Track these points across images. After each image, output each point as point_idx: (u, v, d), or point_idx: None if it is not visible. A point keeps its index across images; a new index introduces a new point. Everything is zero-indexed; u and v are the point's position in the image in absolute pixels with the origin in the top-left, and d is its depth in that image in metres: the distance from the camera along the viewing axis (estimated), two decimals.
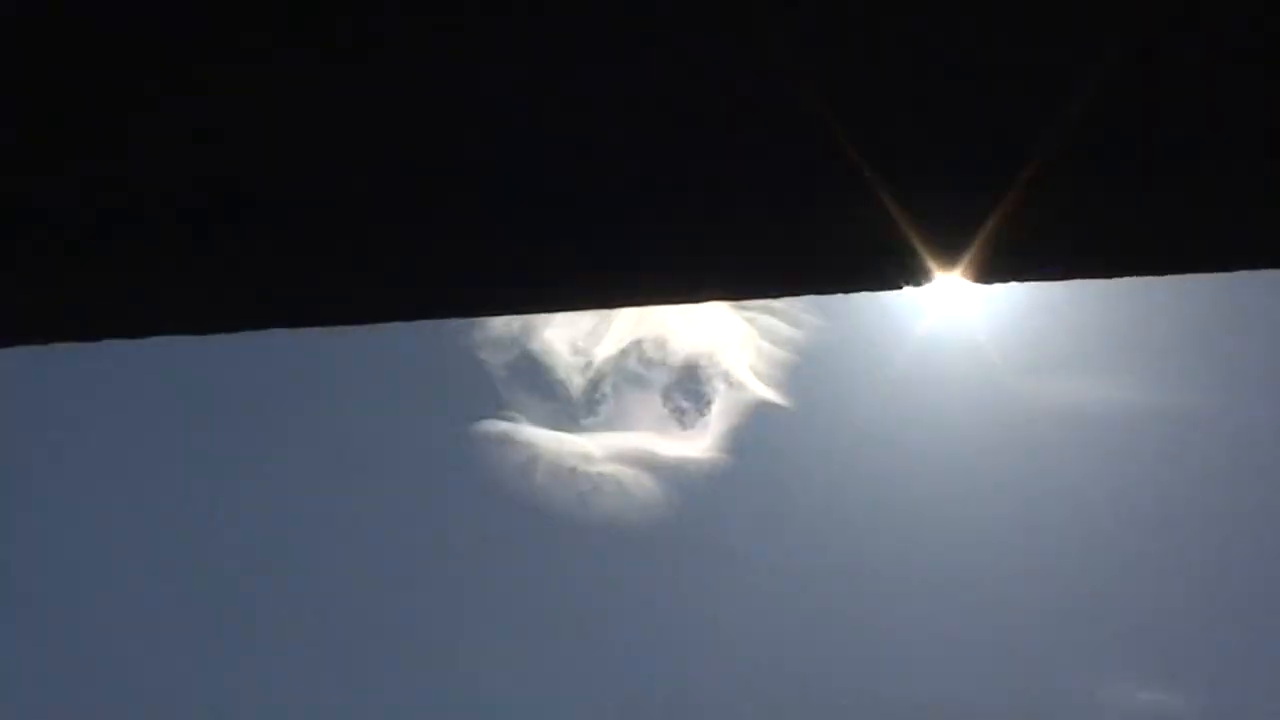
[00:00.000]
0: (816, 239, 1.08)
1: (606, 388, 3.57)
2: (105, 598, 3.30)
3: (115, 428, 3.34)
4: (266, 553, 3.42)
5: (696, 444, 3.55)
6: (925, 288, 1.03)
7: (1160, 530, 3.54)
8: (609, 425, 3.56)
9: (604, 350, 3.57)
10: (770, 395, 3.54)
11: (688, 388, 3.57)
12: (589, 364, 3.57)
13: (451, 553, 3.47)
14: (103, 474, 3.34)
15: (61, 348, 1.06)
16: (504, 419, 3.53)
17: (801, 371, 3.54)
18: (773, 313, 3.56)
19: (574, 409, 3.57)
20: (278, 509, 3.41)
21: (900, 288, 1.06)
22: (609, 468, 3.52)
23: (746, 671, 3.46)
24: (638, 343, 3.57)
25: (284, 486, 3.43)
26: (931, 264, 1.03)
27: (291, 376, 3.52)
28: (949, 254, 1.02)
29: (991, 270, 1.02)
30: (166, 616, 3.37)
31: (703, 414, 3.56)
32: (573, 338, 3.56)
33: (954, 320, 3.06)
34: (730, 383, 3.56)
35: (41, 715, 3.33)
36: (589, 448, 3.54)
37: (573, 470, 3.51)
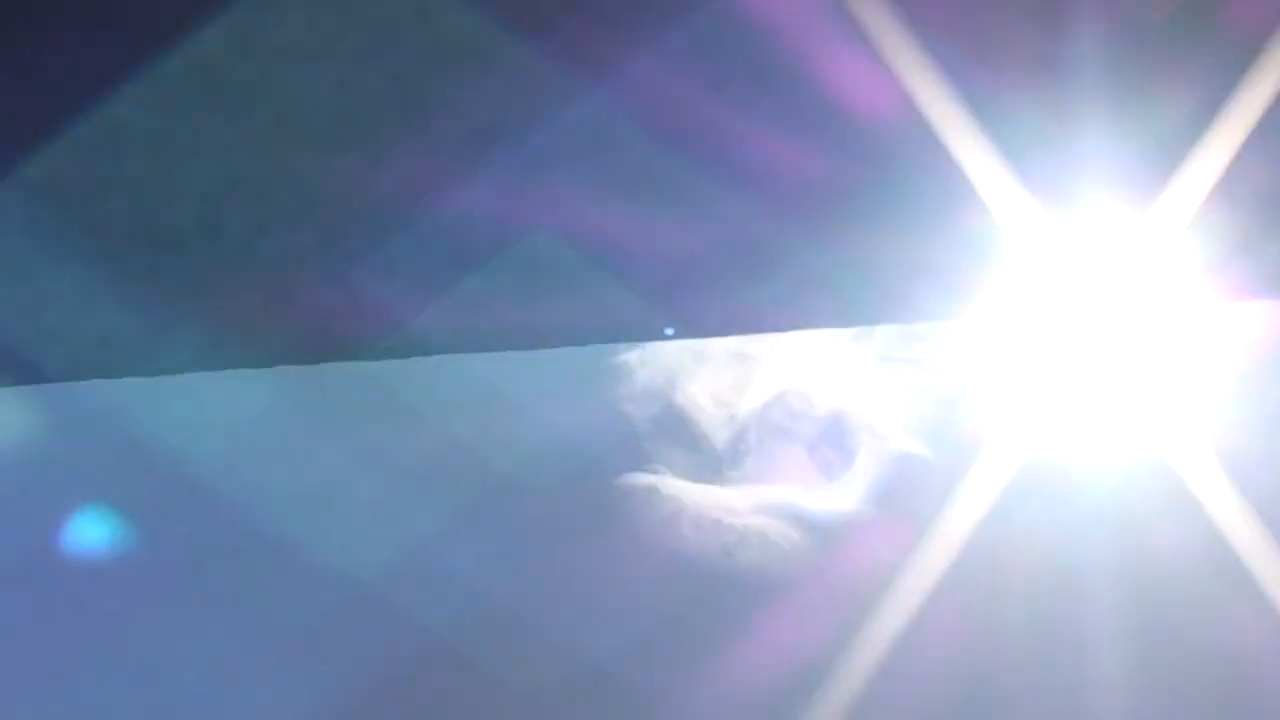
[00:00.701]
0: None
1: (751, 440, 3.58)
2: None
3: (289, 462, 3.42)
4: (409, 603, 3.46)
5: (842, 496, 3.55)
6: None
7: None
8: (754, 478, 3.57)
9: (748, 403, 3.59)
10: (915, 447, 3.54)
11: (832, 439, 3.58)
12: (733, 416, 3.59)
13: (598, 603, 3.49)
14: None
15: None
16: (649, 471, 3.56)
17: (945, 422, 3.54)
18: (916, 364, 3.57)
19: (718, 461, 3.58)
20: (421, 559, 3.46)
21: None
22: (754, 520, 3.53)
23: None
24: (781, 395, 3.59)
25: (428, 537, 3.48)
26: None
27: (441, 435, 3.57)
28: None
29: None
30: (313, 669, 3.42)
31: (848, 466, 3.56)
32: (716, 390, 3.59)
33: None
34: (875, 434, 3.56)
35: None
36: (734, 500, 3.55)
37: (717, 522, 3.52)
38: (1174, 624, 3.58)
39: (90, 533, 3.52)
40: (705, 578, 3.50)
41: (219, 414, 3.53)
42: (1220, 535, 3.51)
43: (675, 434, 3.58)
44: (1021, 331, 3.55)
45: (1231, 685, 3.49)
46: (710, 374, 3.60)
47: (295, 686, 3.47)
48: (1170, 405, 3.49)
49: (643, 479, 3.54)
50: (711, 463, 3.58)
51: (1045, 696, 3.52)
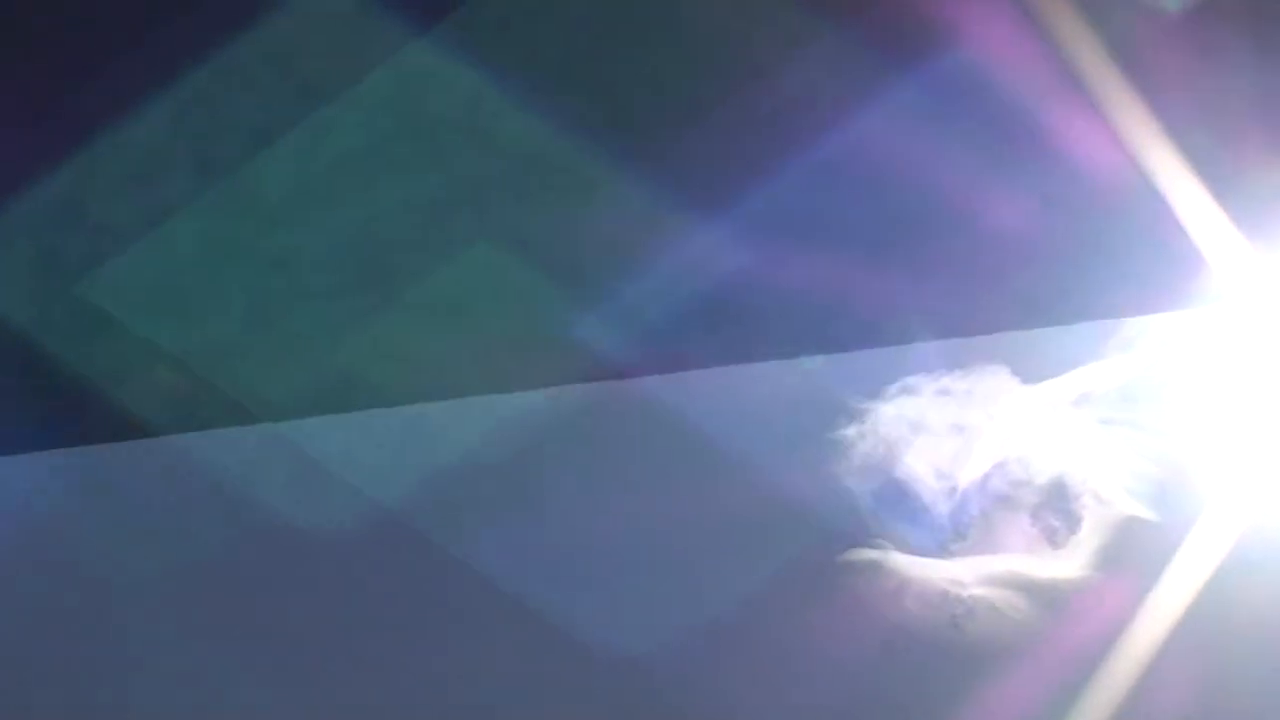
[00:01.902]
0: None
1: (973, 510, 3.59)
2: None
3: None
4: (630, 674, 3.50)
5: (1069, 564, 3.53)
6: None
7: None
8: (978, 549, 3.58)
9: (968, 473, 3.60)
10: (1141, 511, 3.52)
11: (1055, 506, 3.57)
12: (954, 488, 3.60)
13: (828, 678, 3.51)
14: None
15: None
16: (873, 546, 3.58)
17: (1168, 484, 3.52)
18: (1137, 426, 3.55)
19: (941, 533, 3.59)
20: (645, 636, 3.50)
21: None
22: (980, 591, 3.53)
23: None
24: (1002, 464, 3.59)
25: (649, 614, 3.53)
26: None
27: (658, 517, 3.62)
28: None
29: None
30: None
31: (1074, 532, 3.55)
32: (936, 461, 3.60)
33: None
34: (1098, 499, 3.55)
35: None
36: (958, 572, 3.55)
37: (944, 594, 3.53)
38: None
39: None
40: (933, 650, 3.50)
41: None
42: None
43: (897, 507, 3.60)
44: (1241, 390, 3.53)
45: None
46: (929, 445, 3.61)
47: None
48: None
49: (866, 554, 3.56)
50: (934, 535, 3.59)
51: None
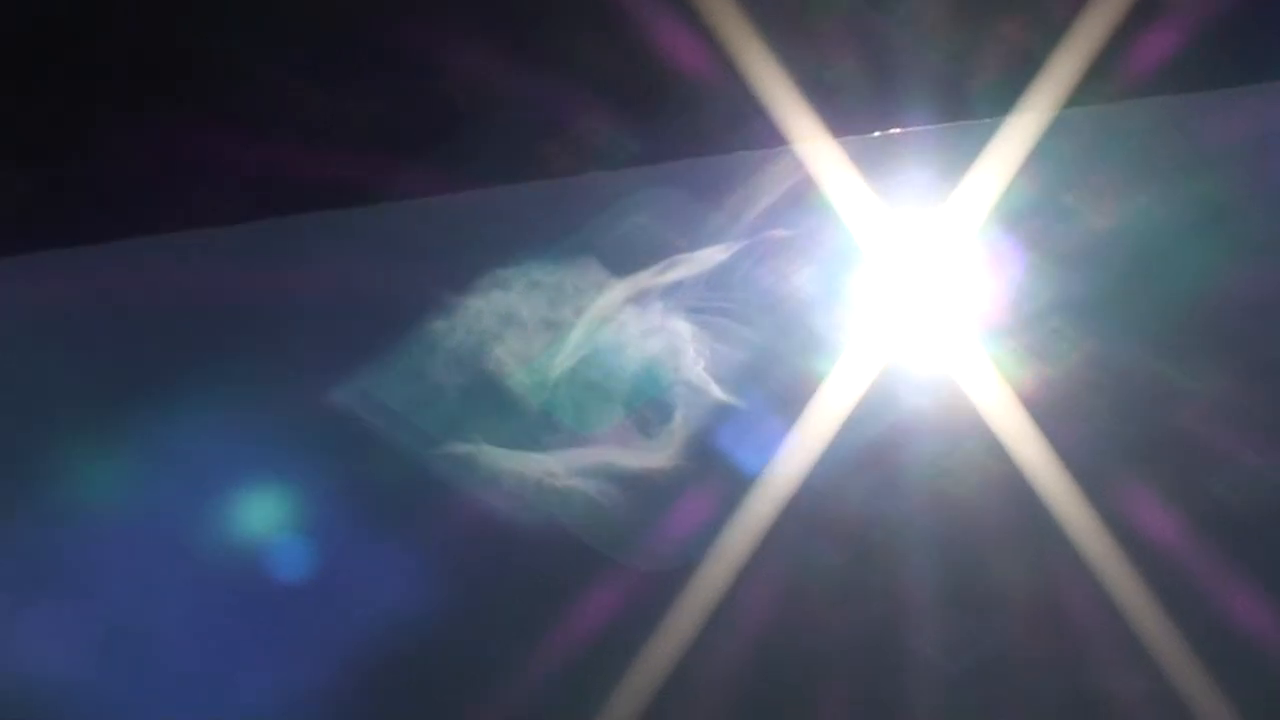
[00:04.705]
0: None
1: (565, 402, 3.52)
2: None
3: None
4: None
5: (661, 454, 3.50)
6: None
7: None
8: (571, 441, 3.51)
9: (559, 365, 3.53)
10: (732, 399, 3.51)
11: (647, 396, 3.53)
12: (545, 380, 3.52)
13: (422, 573, 3.40)
14: None
15: None
16: (464, 440, 3.48)
17: (760, 371, 3.51)
18: (726, 314, 3.54)
19: (533, 426, 3.52)
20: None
21: None
22: (575, 482, 3.46)
23: None
24: (592, 355, 3.54)
25: None
26: None
27: None
28: None
29: None
30: None
31: (666, 422, 3.52)
32: (527, 354, 3.52)
33: None
34: (690, 387, 3.52)
35: None
36: (552, 464, 3.49)
37: (538, 485, 3.45)
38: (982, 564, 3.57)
39: None
40: (529, 543, 3.42)
41: None
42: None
43: (487, 400, 3.51)
44: (831, 274, 3.56)
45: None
46: (519, 339, 3.54)
47: None
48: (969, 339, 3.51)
49: (460, 447, 3.46)
50: (527, 428, 3.51)
51: (862, 653, 3.49)
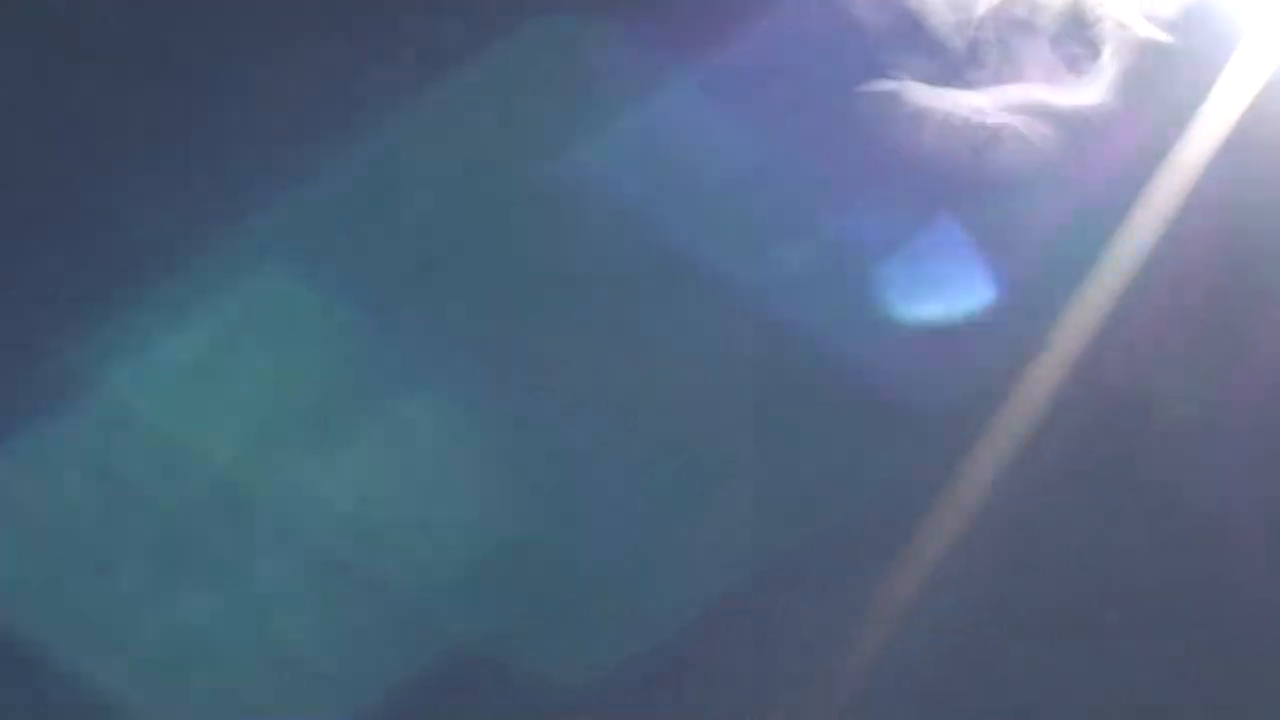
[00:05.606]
0: None
1: (991, 38, 3.44)
2: None
3: None
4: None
5: (1091, 91, 3.42)
6: None
7: None
8: (998, 78, 3.43)
9: (984, 1, 3.44)
10: (1161, 35, 3.41)
11: (1074, 33, 3.44)
12: (970, 17, 3.44)
13: (848, 210, 3.36)
14: None
15: None
16: (889, 78, 3.41)
17: (1191, 9, 3.41)
18: None
19: (959, 64, 3.44)
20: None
21: None
22: (1003, 118, 3.39)
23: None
24: None
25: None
26: None
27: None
28: None
29: None
30: None
31: (1095, 58, 3.43)
32: None
33: None
34: (1119, 24, 3.42)
35: None
36: (979, 101, 3.41)
37: (966, 121, 3.39)
38: None
39: None
40: (956, 178, 3.37)
41: None
42: None
43: (912, 39, 3.42)
44: None
45: None
46: None
47: None
48: None
49: (883, 85, 3.40)
50: (953, 66, 3.43)
51: None
